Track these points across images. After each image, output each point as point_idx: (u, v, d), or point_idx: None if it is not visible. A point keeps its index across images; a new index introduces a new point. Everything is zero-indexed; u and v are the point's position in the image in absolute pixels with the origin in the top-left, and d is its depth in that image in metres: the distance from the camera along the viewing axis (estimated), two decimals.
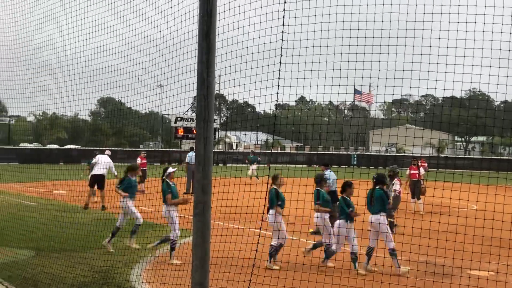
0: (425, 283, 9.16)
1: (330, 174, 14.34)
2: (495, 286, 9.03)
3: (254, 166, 31.09)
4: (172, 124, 51.31)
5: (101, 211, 17.58)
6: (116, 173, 19.38)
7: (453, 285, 8.72)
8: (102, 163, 19.74)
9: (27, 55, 13.09)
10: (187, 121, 50.10)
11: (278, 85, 6.75)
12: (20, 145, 62.37)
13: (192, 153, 25.24)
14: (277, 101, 6.83)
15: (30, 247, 11.56)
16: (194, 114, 50.73)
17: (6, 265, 10.09)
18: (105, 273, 9.63)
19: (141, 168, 24.37)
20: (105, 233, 11.78)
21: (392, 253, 10.05)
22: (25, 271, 9.71)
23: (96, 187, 19.55)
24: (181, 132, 50.91)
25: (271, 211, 10.39)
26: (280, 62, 6.80)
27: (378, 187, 10.68)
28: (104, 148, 24.17)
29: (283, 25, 6.64)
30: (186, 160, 25.18)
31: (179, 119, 49.60)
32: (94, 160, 20.32)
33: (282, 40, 6.70)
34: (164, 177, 11.42)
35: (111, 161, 20.17)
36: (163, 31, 9.11)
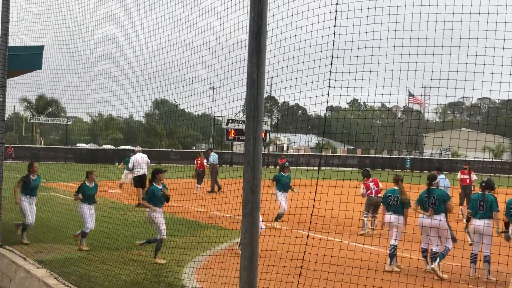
0: None
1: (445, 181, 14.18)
2: None
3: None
4: (224, 126, 51.80)
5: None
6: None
7: None
8: (140, 163, 20.08)
9: (83, 58, 13.57)
10: (239, 123, 50.48)
11: (329, 87, 6.72)
12: (77, 145, 64.45)
13: (214, 154, 25.93)
14: (327, 102, 6.81)
15: (86, 244, 11.94)
16: (245, 116, 51.01)
17: (62, 261, 10.46)
18: (157, 271, 9.85)
19: (199, 169, 24.88)
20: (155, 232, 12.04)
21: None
22: (80, 267, 10.04)
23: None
24: (232, 134, 51.30)
25: None
26: (332, 64, 6.78)
27: (487, 192, 10.53)
28: (133, 148, 24.80)
29: (334, 26, 6.63)
30: (211, 161, 25.63)
31: (230, 121, 50.01)
32: (131, 164, 20.64)
33: (334, 42, 6.69)
34: (151, 180, 11.35)
35: (145, 156, 20.56)
36: (215, 34, 9.25)
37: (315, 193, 7.67)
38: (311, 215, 7.44)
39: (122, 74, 12.30)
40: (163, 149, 56.26)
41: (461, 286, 9.24)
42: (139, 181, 19.84)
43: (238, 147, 53.63)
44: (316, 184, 7.59)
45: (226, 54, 9.06)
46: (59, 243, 12.18)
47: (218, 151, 55.21)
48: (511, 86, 7.37)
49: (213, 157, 25.88)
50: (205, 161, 25.67)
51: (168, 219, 13.53)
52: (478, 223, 10.18)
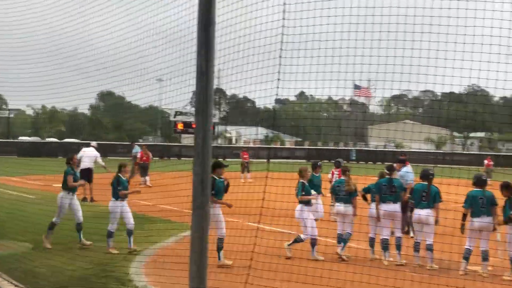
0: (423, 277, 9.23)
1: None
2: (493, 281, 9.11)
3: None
4: (172, 118, 51.28)
5: (86, 202, 17.58)
6: (104, 164, 19.48)
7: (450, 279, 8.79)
8: (88, 156, 19.75)
9: (24, 47, 13.09)
10: (187, 115, 50.07)
11: (279, 79, 6.76)
12: (19, 138, 62.35)
13: (137, 146, 25.97)
14: (277, 95, 6.85)
15: (30, 240, 11.59)
16: (193, 108, 50.66)
17: (6, 257, 10.13)
18: (105, 266, 9.67)
19: (144, 162, 24.59)
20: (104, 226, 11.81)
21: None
22: (24, 263, 9.75)
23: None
24: (180, 126, 50.86)
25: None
26: (280, 57, 6.81)
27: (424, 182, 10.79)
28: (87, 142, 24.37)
29: (283, 19, 6.65)
30: (133, 153, 25.64)
31: (178, 113, 49.56)
32: (79, 155, 20.24)
33: (283, 35, 6.72)
34: (118, 173, 11.57)
35: (97, 153, 20.20)
36: (163, 26, 9.13)
37: (265, 185, 7.71)
38: (261, 207, 7.49)
39: (66, 62, 11.99)
40: (110, 142, 55.14)
41: (405, 274, 9.50)
42: (85, 175, 19.44)
43: (189, 139, 53.28)
44: (266, 177, 7.66)
45: (175, 47, 8.96)
46: (4, 238, 11.79)
47: (166, 143, 54.70)
48: (453, 79, 7.62)
49: (136, 149, 25.92)
50: (150, 154, 25.50)
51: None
52: (421, 213, 10.50)
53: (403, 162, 14.14)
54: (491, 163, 30.84)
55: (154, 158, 26.94)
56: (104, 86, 11.65)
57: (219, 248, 9.92)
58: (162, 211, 14.83)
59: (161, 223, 12.76)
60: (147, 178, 23.74)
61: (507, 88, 7.46)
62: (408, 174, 13.19)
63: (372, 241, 11.12)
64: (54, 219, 11.57)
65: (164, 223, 12.89)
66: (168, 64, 9.21)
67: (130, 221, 11.19)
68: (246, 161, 28.72)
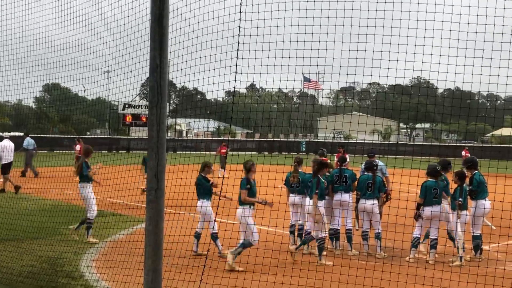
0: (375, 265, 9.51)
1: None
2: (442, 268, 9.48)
3: None
4: (120, 111, 50.44)
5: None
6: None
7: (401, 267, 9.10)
8: (8, 151, 19.61)
9: None
10: (136, 107, 49.36)
11: (236, 72, 6.82)
12: None
13: (28, 138, 25.59)
14: (234, 88, 6.91)
15: None
16: (142, 101, 49.93)
17: None
18: (53, 262, 9.51)
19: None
20: (51, 220, 11.59)
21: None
22: None
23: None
24: (129, 119, 50.12)
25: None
26: (238, 50, 6.87)
27: (370, 173, 11.05)
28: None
29: (240, 12, 6.71)
30: (24, 145, 25.30)
31: (127, 105, 48.82)
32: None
33: (240, 28, 6.77)
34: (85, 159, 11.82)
35: (12, 144, 20.13)
36: (111, 17, 9.01)
37: (223, 177, 7.77)
38: (219, 199, 7.55)
39: (9, 54, 11.64)
40: (56, 135, 53.72)
41: (357, 263, 9.79)
42: (7, 168, 19.22)
43: (138, 133, 52.48)
44: (224, 169, 7.71)
45: (124, 38, 8.87)
46: None
47: (114, 136, 53.75)
48: (398, 71, 7.88)
49: (27, 141, 25.53)
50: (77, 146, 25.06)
51: (64, 207, 13.10)
52: (367, 203, 10.80)
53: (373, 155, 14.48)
54: (468, 154, 31.65)
55: (102, 151, 26.50)
56: (49, 78, 11.36)
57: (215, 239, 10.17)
58: (111, 204, 14.67)
59: (110, 216, 12.63)
60: None
61: (450, 80, 7.77)
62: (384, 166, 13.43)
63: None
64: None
65: (114, 217, 12.77)
66: (116, 55, 9.11)
67: (211, 224, 10.52)
68: (224, 155, 28.37)
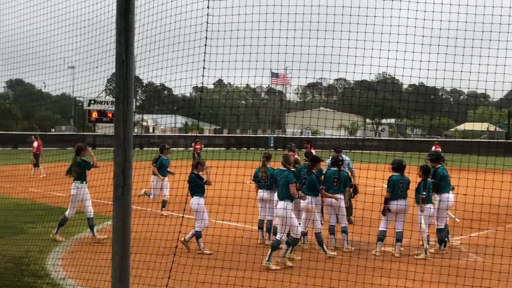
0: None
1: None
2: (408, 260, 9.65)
3: None
4: (85, 107, 49.70)
5: None
6: None
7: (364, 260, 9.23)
8: None
9: None
10: (101, 104, 48.69)
11: (204, 68, 6.80)
12: None
13: None
14: (202, 83, 6.88)
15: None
16: (108, 97, 49.31)
17: None
18: (19, 261, 9.33)
19: (36, 152, 23.93)
20: (15, 219, 11.37)
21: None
22: None
23: None
24: (94, 115, 49.43)
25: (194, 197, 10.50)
26: (206, 45, 6.85)
27: (335, 168, 11.13)
28: None
29: (207, 7, 6.68)
30: None
31: (92, 102, 48.13)
32: None
33: (208, 23, 6.75)
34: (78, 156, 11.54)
35: None
36: (75, 11, 8.86)
37: (191, 173, 7.73)
38: (187, 195, 7.52)
39: None
40: (20, 132, 52.58)
41: (320, 256, 9.89)
42: None
43: (105, 129, 51.74)
44: (192, 165, 7.69)
45: (89, 33, 8.74)
46: None
47: (79, 133, 52.95)
48: (363, 67, 7.99)
49: None
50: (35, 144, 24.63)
51: (29, 206, 12.86)
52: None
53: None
54: (439, 148, 32.14)
55: (67, 149, 26.06)
56: (12, 73, 11.12)
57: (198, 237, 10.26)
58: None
59: (77, 214, 12.43)
60: (37, 168, 23.79)
61: (415, 76, 7.91)
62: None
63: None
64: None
65: (80, 214, 12.58)
66: (81, 50, 8.99)
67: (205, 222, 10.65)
68: (198, 151, 28.26)
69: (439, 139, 42.90)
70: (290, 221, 9.39)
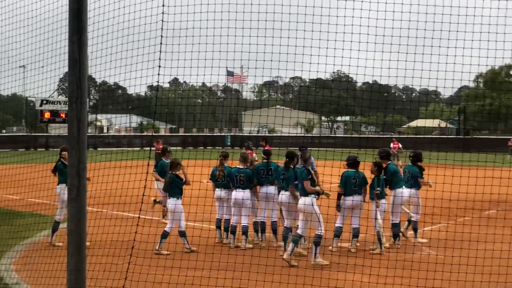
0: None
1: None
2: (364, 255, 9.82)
3: None
4: (37, 107, 48.48)
5: None
6: None
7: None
8: None
9: None
10: (54, 104, 47.58)
11: (159, 66, 6.73)
12: None
13: None
14: (157, 82, 6.82)
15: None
16: (61, 97, 48.19)
17: None
18: None
19: None
20: None
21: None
22: None
23: None
24: (47, 115, 48.28)
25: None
26: (161, 43, 6.79)
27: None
28: None
29: (163, 6, 6.62)
30: None
31: (44, 102, 46.98)
32: None
33: (163, 21, 6.69)
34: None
35: None
36: (25, 7, 8.63)
37: (147, 173, 7.66)
38: (143, 195, 7.43)
39: None
40: None
41: (277, 253, 9.97)
42: None
43: (58, 130, 50.57)
44: (148, 165, 7.61)
45: (38, 29, 8.53)
46: None
47: (32, 134, 51.61)
48: (319, 66, 8.09)
49: None
50: None
51: None
52: (286, 194, 10.94)
53: (263, 147, 14.82)
54: (396, 145, 32.68)
55: (19, 150, 25.42)
56: None
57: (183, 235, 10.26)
58: (31, 205, 14.10)
59: (31, 217, 12.14)
60: None
61: (368, 74, 8.06)
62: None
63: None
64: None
65: (34, 217, 12.28)
66: (31, 48, 8.77)
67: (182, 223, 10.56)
68: (159, 151, 27.61)
69: (394, 136, 43.84)
70: (319, 216, 9.58)
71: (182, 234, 10.40)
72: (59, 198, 11.05)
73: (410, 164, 11.75)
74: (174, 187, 10.48)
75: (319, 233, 9.56)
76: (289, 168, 10.46)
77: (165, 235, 10.28)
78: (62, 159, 11.12)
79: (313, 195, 9.68)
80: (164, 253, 9.95)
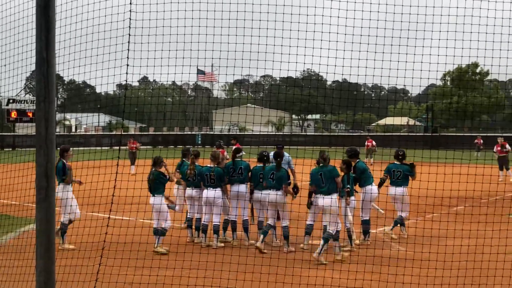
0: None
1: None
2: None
3: None
4: (4, 106, 47.49)
5: None
6: None
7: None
8: None
9: None
10: (21, 103, 46.70)
11: (128, 65, 6.66)
12: None
13: None
14: (126, 81, 6.74)
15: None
16: (28, 96, 47.30)
17: None
18: None
19: None
20: None
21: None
22: None
23: None
24: (14, 114, 47.39)
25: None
26: (129, 42, 6.72)
27: (261, 164, 11.00)
28: None
29: (130, 4, 6.55)
30: None
31: (11, 101, 46.08)
32: None
33: (131, 19, 6.61)
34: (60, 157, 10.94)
35: None
36: None
37: (116, 173, 7.57)
38: (112, 195, 7.35)
39: None
40: None
41: (253, 252, 9.99)
42: None
43: (28, 129, 49.63)
44: (117, 164, 7.52)
45: (4, 25, 8.35)
46: None
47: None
48: (289, 65, 8.13)
49: None
50: None
51: None
52: (262, 193, 10.98)
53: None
54: (370, 143, 32.86)
55: None
56: None
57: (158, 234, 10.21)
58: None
59: None
60: None
61: (338, 73, 8.13)
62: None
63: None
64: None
65: (2, 219, 12.03)
66: None
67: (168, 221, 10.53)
68: (133, 150, 27.14)
69: (369, 134, 44.24)
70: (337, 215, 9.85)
71: (163, 233, 10.31)
72: (60, 199, 10.82)
73: (397, 163, 11.81)
74: (159, 184, 10.43)
75: (332, 231, 9.75)
76: (280, 168, 10.57)
77: (159, 232, 10.26)
78: (62, 159, 10.91)
79: (336, 193, 10.02)
80: (163, 251, 10.01)
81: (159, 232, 10.25)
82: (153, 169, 10.54)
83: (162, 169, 10.65)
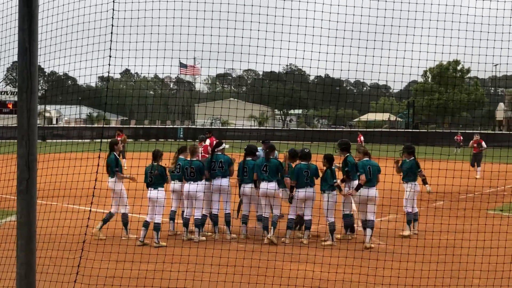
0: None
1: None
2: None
3: None
4: None
5: None
6: None
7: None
8: None
9: None
10: (1, 94, 46.07)
11: (110, 57, 6.61)
12: None
13: None
14: (108, 73, 6.69)
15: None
16: (8, 87, 46.73)
17: None
18: None
19: None
20: None
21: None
22: None
23: None
24: None
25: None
26: (112, 33, 6.66)
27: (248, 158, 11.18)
28: None
29: None
30: None
31: None
32: None
33: (114, 10, 6.55)
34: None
35: None
36: None
37: (98, 165, 7.53)
38: (94, 188, 7.30)
39: None
40: None
41: (235, 246, 10.01)
42: None
43: (7, 120, 48.96)
44: (99, 157, 7.48)
45: None
46: None
47: None
48: (272, 59, 8.14)
49: None
50: None
51: None
52: (246, 187, 11.02)
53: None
54: (359, 139, 32.97)
55: None
56: None
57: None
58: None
59: None
60: None
61: (321, 68, 8.15)
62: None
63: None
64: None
65: None
66: None
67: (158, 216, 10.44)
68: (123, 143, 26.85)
69: (359, 130, 44.46)
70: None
71: (157, 228, 10.24)
72: (112, 191, 10.82)
73: (404, 159, 11.71)
74: (160, 177, 10.43)
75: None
76: (270, 158, 10.82)
77: (156, 227, 10.22)
78: (114, 153, 10.91)
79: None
80: (164, 245, 9.99)
81: (159, 227, 10.24)
82: (155, 163, 10.50)
83: (160, 162, 10.65)
